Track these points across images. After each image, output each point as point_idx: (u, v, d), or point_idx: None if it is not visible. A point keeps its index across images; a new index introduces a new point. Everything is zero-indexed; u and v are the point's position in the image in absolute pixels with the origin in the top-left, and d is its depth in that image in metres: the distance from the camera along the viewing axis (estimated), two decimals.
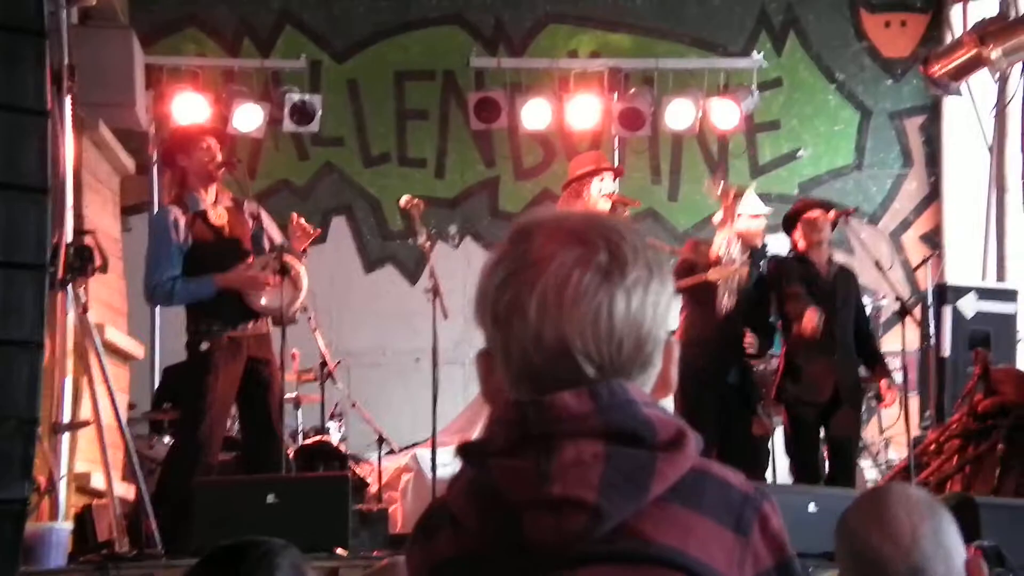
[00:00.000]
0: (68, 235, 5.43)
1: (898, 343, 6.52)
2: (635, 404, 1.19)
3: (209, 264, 5.37)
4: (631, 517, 1.16)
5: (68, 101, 5.56)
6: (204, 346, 5.35)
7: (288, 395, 6.63)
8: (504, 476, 1.18)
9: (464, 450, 1.24)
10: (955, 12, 9.02)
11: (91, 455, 5.46)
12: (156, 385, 7.77)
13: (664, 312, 1.22)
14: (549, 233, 1.22)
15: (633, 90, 8.79)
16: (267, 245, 5.56)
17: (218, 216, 5.51)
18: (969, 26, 8.32)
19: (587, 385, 1.18)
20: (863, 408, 6.07)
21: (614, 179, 6.35)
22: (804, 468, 6.03)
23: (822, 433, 6.07)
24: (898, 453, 6.38)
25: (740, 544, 1.19)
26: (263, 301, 5.40)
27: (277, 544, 1.88)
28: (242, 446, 5.79)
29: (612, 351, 1.19)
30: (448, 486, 1.26)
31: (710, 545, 1.17)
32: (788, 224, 6.22)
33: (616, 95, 8.81)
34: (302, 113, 8.56)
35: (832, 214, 6.14)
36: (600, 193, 6.18)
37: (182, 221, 5.41)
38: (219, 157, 5.54)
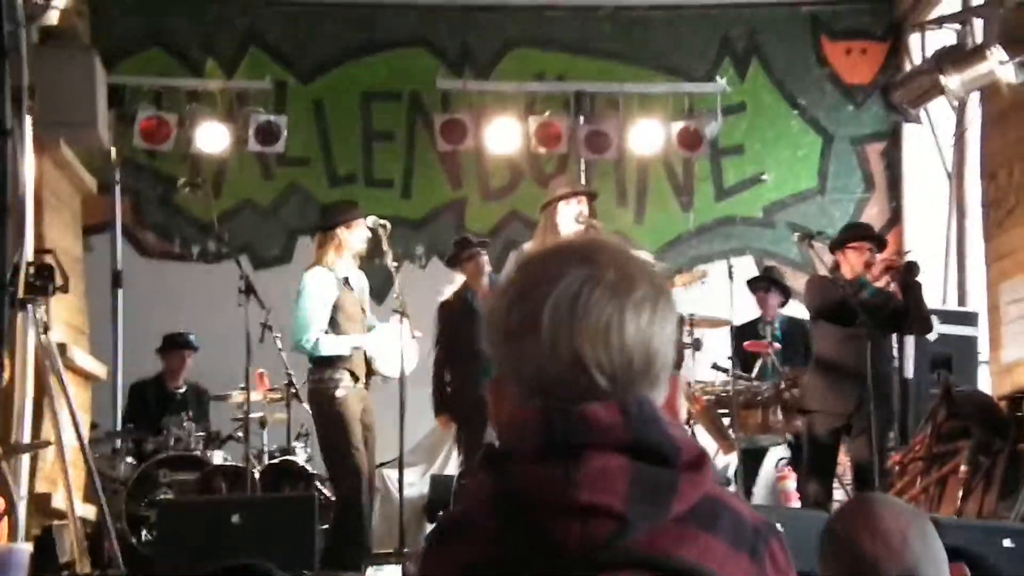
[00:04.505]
0: (28, 254, 5.37)
1: None
2: (661, 422, 1.21)
3: None
4: (651, 533, 1.17)
5: (28, 121, 5.51)
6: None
7: (254, 415, 6.58)
8: (529, 482, 1.18)
9: (486, 457, 1.25)
10: (914, 40, 9.17)
11: (52, 476, 5.38)
12: (121, 404, 7.70)
13: (671, 334, 1.25)
14: (556, 256, 1.25)
15: (599, 113, 8.85)
16: None
17: None
18: (928, 54, 8.45)
19: (600, 397, 1.20)
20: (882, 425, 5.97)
21: (587, 202, 6.33)
22: (816, 485, 5.92)
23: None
24: None
25: (755, 571, 1.21)
26: None
27: (269, 567, 1.81)
28: None
29: (623, 364, 1.21)
30: (464, 497, 1.25)
31: (727, 565, 1.19)
32: (836, 245, 6.12)
33: (582, 118, 8.86)
34: (267, 133, 8.53)
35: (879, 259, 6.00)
36: (568, 216, 6.18)
37: None
38: None
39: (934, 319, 7.48)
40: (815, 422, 5.94)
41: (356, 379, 5.80)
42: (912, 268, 5.97)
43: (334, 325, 5.82)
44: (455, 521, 1.27)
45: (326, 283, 5.82)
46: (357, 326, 5.89)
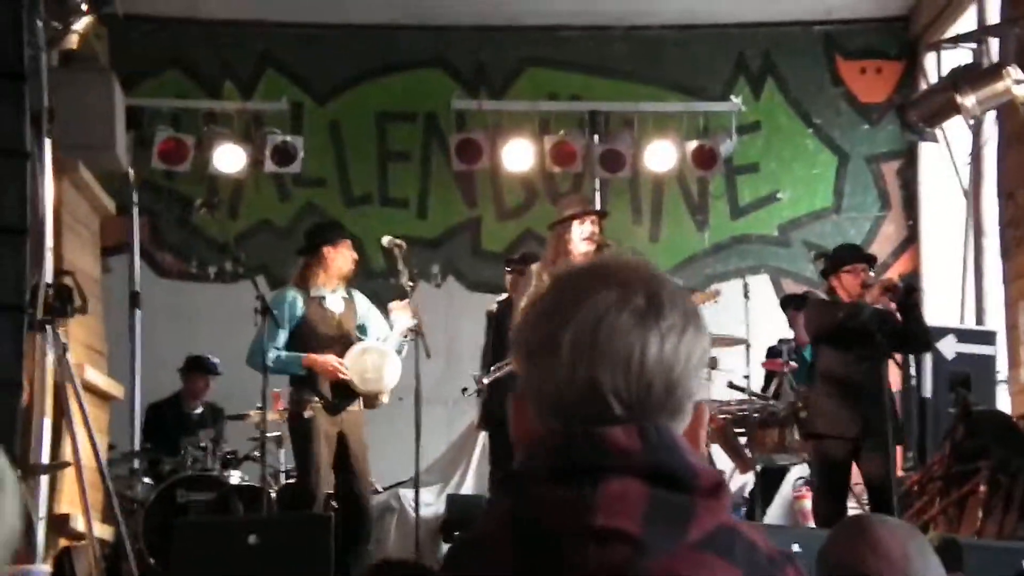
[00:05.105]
0: (47, 276, 5.40)
1: None
2: (681, 449, 1.20)
3: None
4: (667, 558, 1.16)
5: (48, 143, 5.55)
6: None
7: (270, 434, 6.59)
8: (546, 505, 1.17)
9: (504, 478, 1.24)
10: (929, 59, 9.16)
11: (71, 497, 5.39)
12: (139, 425, 7.73)
13: (697, 364, 1.23)
14: (589, 275, 1.24)
15: (613, 132, 8.88)
16: None
17: None
18: (943, 73, 8.44)
19: (615, 423, 1.19)
20: (892, 444, 5.96)
21: (599, 221, 6.34)
22: (830, 506, 5.89)
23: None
24: None
25: None
26: None
27: None
28: None
29: (641, 392, 1.20)
30: (481, 519, 1.25)
31: None
32: (829, 271, 6.06)
33: (597, 137, 8.88)
34: (283, 154, 8.59)
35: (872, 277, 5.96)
36: (581, 237, 6.18)
37: None
38: None
39: (951, 338, 7.47)
40: (824, 445, 5.93)
41: (324, 400, 5.78)
42: (911, 291, 5.95)
43: (299, 344, 5.83)
44: (471, 542, 1.25)
45: (286, 304, 5.85)
46: (332, 347, 5.85)
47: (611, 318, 1.20)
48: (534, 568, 1.17)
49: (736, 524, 1.22)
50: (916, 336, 5.96)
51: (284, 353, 5.81)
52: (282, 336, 5.83)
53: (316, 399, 5.76)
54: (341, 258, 5.91)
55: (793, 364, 7.11)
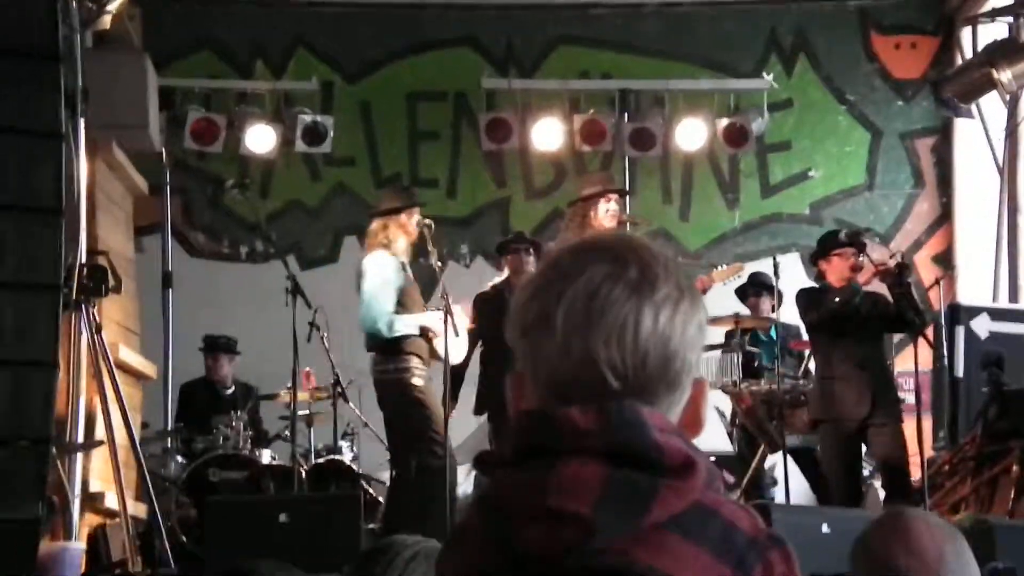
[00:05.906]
0: (82, 256, 5.46)
1: (911, 363, 6.50)
2: (646, 427, 1.17)
3: None
4: (625, 540, 1.14)
5: (82, 124, 5.60)
6: None
7: (300, 414, 6.64)
8: (507, 487, 1.18)
9: (478, 462, 1.24)
10: (965, 34, 9.05)
11: (105, 475, 5.47)
12: (171, 404, 7.81)
13: (695, 335, 1.21)
14: (581, 251, 1.23)
15: (644, 110, 8.84)
16: None
17: None
18: (979, 48, 8.34)
19: (611, 399, 1.17)
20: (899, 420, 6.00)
21: (620, 200, 6.35)
22: (841, 487, 5.92)
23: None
24: (912, 474, 6.35)
25: None
26: None
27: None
28: None
29: (637, 365, 1.18)
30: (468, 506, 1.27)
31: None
32: (818, 255, 6.11)
33: (627, 116, 8.85)
34: (314, 134, 8.62)
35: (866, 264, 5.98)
36: (607, 214, 6.18)
37: None
38: None
39: (985, 316, 7.40)
40: (830, 431, 5.95)
41: (424, 362, 5.79)
42: (903, 270, 5.95)
43: (400, 309, 5.82)
44: (458, 527, 1.26)
45: (390, 266, 5.83)
46: (419, 312, 5.91)
47: (604, 291, 1.19)
48: (499, 551, 1.16)
49: (716, 503, 1.18)
50: (909, 316, 5.96)
51: (403, 317, 5.78)
52: (393, 301, 5.78)
53: (419, 363, 5.75)
54: (413, 224, 5.94)
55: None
